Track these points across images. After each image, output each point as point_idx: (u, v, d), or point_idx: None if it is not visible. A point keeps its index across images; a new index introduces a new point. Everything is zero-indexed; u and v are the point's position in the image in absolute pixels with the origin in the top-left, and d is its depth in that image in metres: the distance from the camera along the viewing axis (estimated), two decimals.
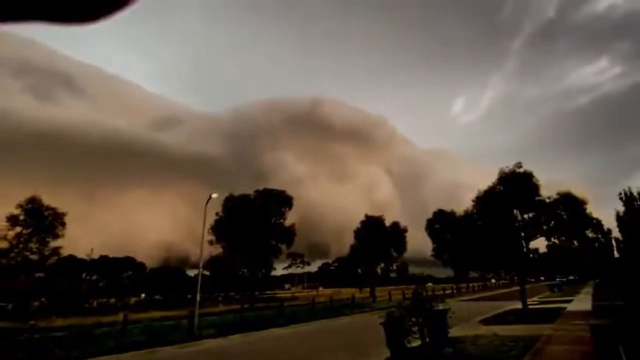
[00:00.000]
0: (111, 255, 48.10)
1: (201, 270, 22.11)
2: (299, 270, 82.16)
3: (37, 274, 31.92)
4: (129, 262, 50.58)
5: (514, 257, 21.92)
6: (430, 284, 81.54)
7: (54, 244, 27.22)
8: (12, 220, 24.58)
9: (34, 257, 27.61)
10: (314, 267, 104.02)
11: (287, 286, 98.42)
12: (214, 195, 24.54)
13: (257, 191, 39.90)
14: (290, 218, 38.79)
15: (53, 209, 26.16)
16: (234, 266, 39.43)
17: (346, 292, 48.93)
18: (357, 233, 42.55)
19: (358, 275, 48.84)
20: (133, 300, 48.18)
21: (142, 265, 53.85)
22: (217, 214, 36.72)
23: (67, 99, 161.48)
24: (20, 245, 26.16)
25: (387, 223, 42.78)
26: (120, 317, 27.26)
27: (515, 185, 20.61)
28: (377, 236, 40.89)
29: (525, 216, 21.31)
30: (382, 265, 44.48)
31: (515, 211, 21.31)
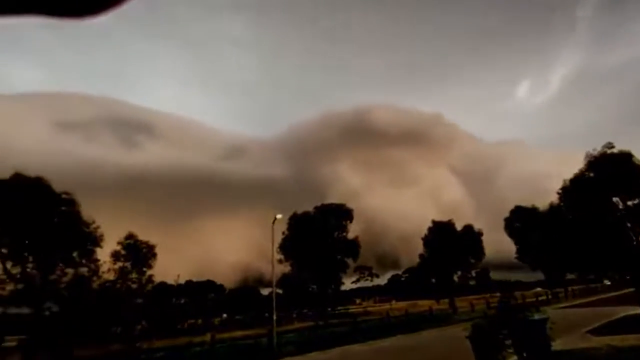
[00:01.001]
0: (195, 279, 52.93)
1: (275, 289, 23.03)
2: (368, 284, 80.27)
3: (138, 300, 36.38)
4: (210, 285, 54.97)
5: (623, 253, 18.69)
6: (539, 289, 69.84)
7: (148, 273, 30.84)
8: (115, 255, 28.57)
9: (134, 285, 31.56)
10: (383, 280, 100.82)
11: (357, 301, 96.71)
12: (279, 216, 25.67)
13: (316, 207, 40.73)
14: (353, 231, 38.65)
15: (146, 243, 29.85)
16: (303, 283, 40.28)
17: (422, 304, 46.41)
18: (426, 240, 40.50)
19: (432, 285, 46.03)
20: (217, 320, 51.88)
21: (221, 287, 58.04)
22: (283, 233, 38.25)
23: (148, 144, 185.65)
24: (123, 277, 30.21)
25: (459, 227, 39.92)
26: (207, 337, 29.53)
27: (609, 169, 17.85)
28: (448, 242, 38.35)
29: (630, 203, 18.20)
30: (459, 273, 41.34)
31: (615, 199, 18.37)
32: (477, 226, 40.52)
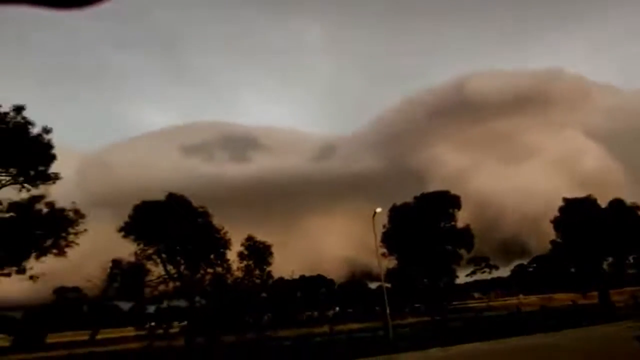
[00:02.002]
0: (307, 274, 57.05)
1: (384, 283, 22.97)
2: (486, 276, 72.03)
3: (262, 294, 41.33)
4: (321, 280, 58.43)
5: None
6: None
7: (268, 269, 34.70)
8: (241, 255, 33.11)
9: (258, 281, 35.95)
10: (505, 271, 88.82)
11: (476, 295, 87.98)
12: (378, 210, 25.49)
13: (415, 197, 38.86)
14: (463, 218, 35.32)
15: (263, 243, 33.73)
16: (412, 276, 39.03)
17: (560, 299, 39.45)
18: (557, 223, 34.12)
19: (572, 275, 38.19)
20: (330, 313, 54.83)
21: (331, 281, 61.05)
22: (383, 226, 37.80)
23: (255, 155, 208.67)
24: (248, 274, 34.77)
25: (603, 202, 32.22)
26: (325, 328, 31.43)
27: None
28: (589, 222, 31.33)
29: None
30: (610, 260, 33.46)
31: None
32: (629, 199, 32.15)
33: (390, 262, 37.65)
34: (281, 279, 46.60)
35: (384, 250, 34.95)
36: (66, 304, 59.07)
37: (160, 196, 30.15)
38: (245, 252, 32.92)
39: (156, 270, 29.75)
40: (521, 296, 70.36)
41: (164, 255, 29.98)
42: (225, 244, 31.00)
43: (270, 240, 34.90)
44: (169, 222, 28.16)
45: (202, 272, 31.29)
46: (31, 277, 18.65)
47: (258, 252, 33.21)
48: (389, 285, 34.91)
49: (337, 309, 60.09)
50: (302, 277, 55.17)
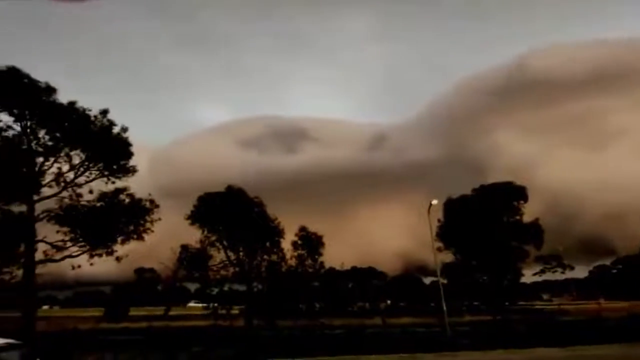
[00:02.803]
0: (358, 265, 57.20)
1: (440, 278, 22.08)
2: (558, 277, 64.91)
3: (314, 283, 42.44)
4: (372, 272, 58.16)
5: None
6: None
7: (320, 259, 35.45)
8: (294, 245, 34.33)
9: (310, 270, 36.96)
10: (582, 272, 79.04)
11: (545, 296, 79.92)
12: (434, 202, 24.41)
13: (474, 190, 36.25)
14: (532, 212, 32.07)
15: (314, 233, 34.51)
16: (470, 273, 36.85)
17: None
18: None
19: None
20: (383, 305, 54.46)
21: (383, 274, 60.45)
22: (438, 220, 36.08)
23: (307, 147, 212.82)
24: (301, 263, 35.91)
25: None
26: (377, 320, 31.32)
27: None
28: None
29: None
30: None
31: None
32: None
33: (447, 257, 35.94)
34: (332, 269, 47.38)
35: (440, 244, 33.35)
36: (144, 282, 66.96)
37: (221, 187, 32.38)
38: (299, 242, 34.00)
39: (218, 255, 32.20)
40: (602, 300, 62.14)
41: (225, 242, 32.27)
42: (280, 233, 32.36)
43: (321, 231, 35.52)
44: (228, 211, 30.22)
45: (258, 259, 33.10)
46: (117, 259, 21.44)
47: (310, 242, 34.06)
48: (445, 280, 33.42)
49: (389, 302, 59.41)
50: (354, 268, 55.37)
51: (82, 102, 20.32)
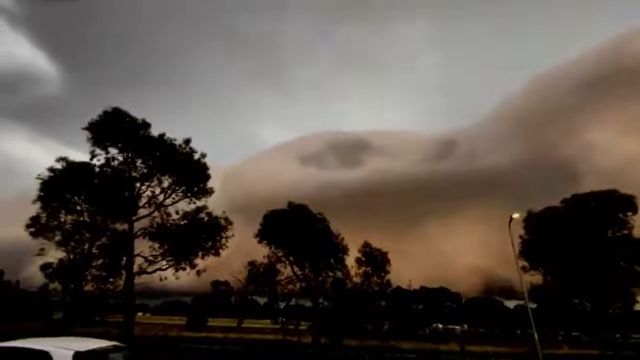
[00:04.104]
0: (428, 285, 53.60)
1: (527, 301, 19.55)
2: None
3: (381, 303, 40.88)
4: (444, 292, 53.91)
5: None
6: None
7: (386, 277, 34.18)
8: (359, 262, 33.74)
9: (377, 288, 35.77)
10: None
11: None
12: (515, 215, 21.98)
13: (565, 200, 31.74)
14: None
15: (379, 250, 33.55)
16: (564, 297, 31.81)
17: None
18: None
19: None
20: (459, 329, 49.72)
21: (457, 295, 55.62)
22: (520, 237, 32.29)
23: (367, 160, 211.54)
24: (367, 280, 35.01)
25: None
26: (453, 346, 28.69)
27: None
28: None
29: None
30: None
31: None
32: None
33: (533, 278, 31.69)
34: (399, 288, 45.16)
35: (525, 263, 29.58)
36: (219, 294, 71.94)
37: (285, 204, 33.71)
38: (362, 259, 33.36)
39: (285, 271, 33.20)
40: None
41: (291, 258, 33.20)
42: (343, 249, 32.19)
43: (387, 247, 34.41)
44: (293, 228, 31.19)
45: (323, 275, 33.23)
46: (198, 272, 23.56)
47: (374, 259, 33.16)
48: (533, 305, 29.39)
49: (466, 326, 54.10)
50: (423, 288, 52.05)
51: (167, 132, 23.40)
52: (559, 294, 29.95)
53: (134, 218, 22.72)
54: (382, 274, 33.36)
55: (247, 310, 59.87)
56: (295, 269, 32.48)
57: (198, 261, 23.20)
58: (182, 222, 22.96)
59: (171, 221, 22.96)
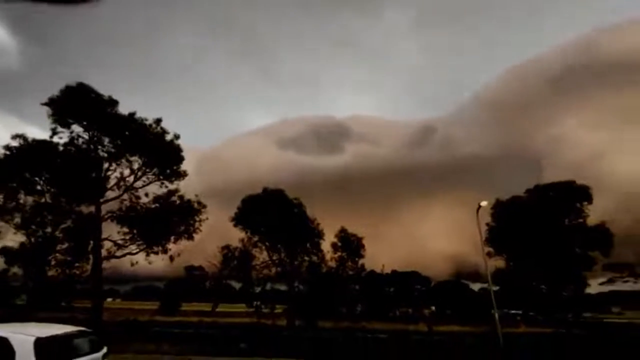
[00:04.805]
0: (400, 269, 55.60)
1: (490, 285, 20.73)
2: (630, 287, 57.65)
3: (355, 286, 42.06)
4: (415, 276, 56.21)
5: None
6: None
7: (360, 262, 35.13)
8: (334, 247, 34.35)
9: (351, 272, 36.70)
10: None
11: (615, 309, 71.25)
12: (483, 203, 22.89)
13: (528, 190, 33.56)
14: (599, 214, 28.92)
15: (355, 235, 34.29)
16: (524, 281, 34.11)
17: None
18: None
19: None
20: (427, 312, 52.24)
21: (427, 278, 58.20)
22: (487, 224, 33.95)
23: (347, 144, 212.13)
24: (341, 265, 35.76)
25: None
26: (421, 327, 30.13)
27: None
28: None
29: None
30: None
31: None
32: None
33: (498, 263, 33.66)
34: (373, 272, 46.54)
35: (490, 249, 31.29)
36: (193, 279, 71.07)
37: (263, 188, 33.40)
38: (338, 244, 33.98)
39: (261, 256, 33.23)
40: None
41: (267, 243, 33.22)
42: (319, 234, 32.60)
43: (363, 232, 35.21)
44: (268, 213, 31.07)
45: (299, 259, 33.61)
46: (171, 258, 23.03)
47: (350, 244, 33.86)
48: (496, 287, 31.28)
49: (434, 308, 56.91)
50: (395, 272, 53.95)
51: (140, 112, 22.25)
52: (520, 278, 32.09)
53: (101, 200, 21.68)
54: (357, 259, 34.23)
55: (221, 295, 59.63)
56: (271, 253, 32.57)
57: (171, 245, 22.66)
58: (154, 206, 22.18)
59: (141, 204, 22.11)
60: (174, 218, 22.11)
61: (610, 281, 52.82)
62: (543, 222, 28.42)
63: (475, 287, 56.38)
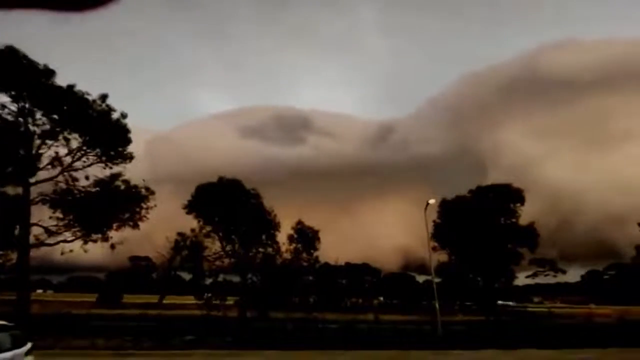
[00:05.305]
0: (353, 262, 57.44)
1: (434, 277, 22.16)
2: (550, 280, 65.32)
3: (309, 278, 42.60)
4: (366, 268, 58.45)
5: None
6: None
7: (315, 254, 35.53)
8: (290, 239, 34.35)
9: (305, 264, 37.04)
10: (574, 277, 79.81)
11: (536, 299, 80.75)
12: (431, 201, 24.34)
13: (471, 191, 36.32)
14: (530, 214, 32.23)
15: (311, 228, 34.53)
16: (464, 274, 37.10)
17: None
18: None
19: None
20: (376, 302, 54.74)
21: (377, 270, 60.86)
22: (434, 221, 36.16)
23: (309, 137, 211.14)
24: (296, 257, 35.94)
25: None
26: (369, 316, 31.48)
27: None
28: None
29: None
30: None
31: None
32: None
33: (441, 257, 36.15)
34: (327, 264, 47.54)
35: (435, 244, 33.51)
36: (139, 270, 67.03)
37: (221, 175, 32.26)
38: (295, 236, 34.04)
39: (214, 246, 32.22)
40: (592, 305, 62.62)
41: (220, 234, 32.25)
42: (275, 226, 32.36)
43: (321, 224, 35.63)
44: (224, 203, 30.16)
45: (254, 251, 33.13)
46: (112, 246, 21.39)
47: (306, 237, 34.11)
48: (439, 280, 33.65)
49: (382, 298, 59.82)
50: (348, 264, 55.58)
51: (87, 89, 20.05)
52: (460, 271, 34.84)
53: (31, 181, 19.42)
54: (312, 251, 34.57)
55: (170, 287, 57.00)
56: (225, 244, 31.72)
57: (113, 233, 21.02)
58: (94, 190, 20.33)
59: (80, 187, 20.17)
60: (117, 204, 20.49)
61: (534, 275, 59.57)
62: (482, 220, 31.10)
63: (421, 279, 60.15)
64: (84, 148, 20.18)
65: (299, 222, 34.35)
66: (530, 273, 59.21)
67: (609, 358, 14.33)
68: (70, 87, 19.73)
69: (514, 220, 32.17)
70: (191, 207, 31.12)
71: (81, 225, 19.96)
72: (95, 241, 20.52)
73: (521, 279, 50.29)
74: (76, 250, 21.12)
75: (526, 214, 32.74)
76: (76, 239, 20.41)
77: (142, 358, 12.10)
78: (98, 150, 20.43)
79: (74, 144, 19.99)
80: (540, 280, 64.78)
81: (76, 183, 20.17)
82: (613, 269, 70.55)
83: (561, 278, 68.31)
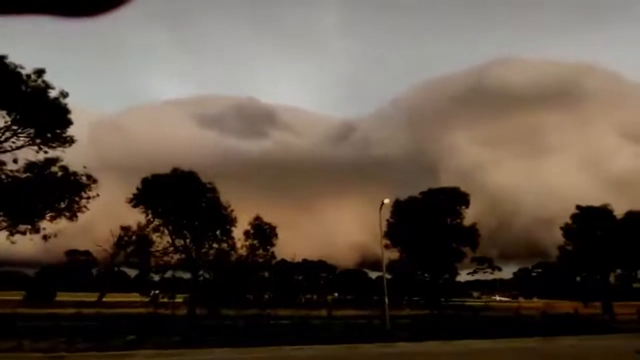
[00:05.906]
0: (309, 258, 57.88)
1: (385, 273, 23.06)
2: (488, 277, 71.80)
3: (265, 274, 42.16)
4: (322, 265, 59.24)
5: None
6: None
7: (271, 250, 35.20)
8: (247, 234, 33.62)
9: (261, 260, 36.54)
10: (507, 274, 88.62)
11: (475, 294, 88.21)
12: (386, 201, 25.27)
13: (422, 193, 38.42)
14: (473, 215, 34.93)
15: (269, 224, 34.10)
16: (413, 270, 39.20)
17: (561, 306, 39.15)
18: (567, 230, 33.50)
19: (576, 284, 38.15)
20: (330, 298, 55.71)
21: (333, 267, 61.97)
22: (387, 220, 37.66)
23: (271, 132, 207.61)
24: (252, 253, 35.33)
25: (622, 211, 31.33)
26: (323, 312, 31.94)
27: None
28: (602, 233, 30.84)
29: None
30: (618, 272, 33.03)
31: None
32: None
33: (393, 254, 37.83)
34: (283, 260, 47.38)
35: (387, 241, 34.99)
36: (76, 265, 61.38)
37: (175, 165, 30.56)
38: (251, 232, 33.39)
39: (162, 241, 30.50)
40: (521, 299, 70.12)
41: (170, 228, 30.63)
42: (232, 221, 31.45)
43: (278, 220, 35.32)
44: (176, 196, 28.65)
45: (207, 246, 31.93)
46: (44, 237, 19.30)
47: (263, 233, 33.64)
48: (389, 276, 35.17)
49: (336, 294, 61.07)
50: (305, 260, 55.89)
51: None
52: (409, 268, 36.81)
53: None
54: (268, 247, 34.18)
55: (112, 283, 52.96)
56: (175, 239, 30.18)
57: (46, 224, 18.95)
58: (24, 175, 18.15)
59: (7, 171, 17.89)
60: (52, 192, 18.51)
61: (475, 272, 65.49)
62: (430, 220, 33.16)
63: (374, 275, 62.44)
64: (14, 127, 17.92)
65: (257, 218, 33.78)
66: (471, 270, 64.95)
67: (534, 346, 16.02)
68: (1, 57, 17.39)
69: (458, 221, 34.67)
70: (138, 200, 29.12)
71: (7, 215, 17.74)
72: (23, 233, 18.35)
73: (463, 275, 54.73)
74: (2, 242, 18.77)
75: (469, 215, 35.56)
76: (1, 229, 18.13)
77: None
78: (31, 130, 18.26)
79: (1, 122, 17.69)
80: (479, 276, 71.35)
81: (3, 167, 17.88)
82: (540, 267, 79.14)
83: (497, 275, 75.84)
